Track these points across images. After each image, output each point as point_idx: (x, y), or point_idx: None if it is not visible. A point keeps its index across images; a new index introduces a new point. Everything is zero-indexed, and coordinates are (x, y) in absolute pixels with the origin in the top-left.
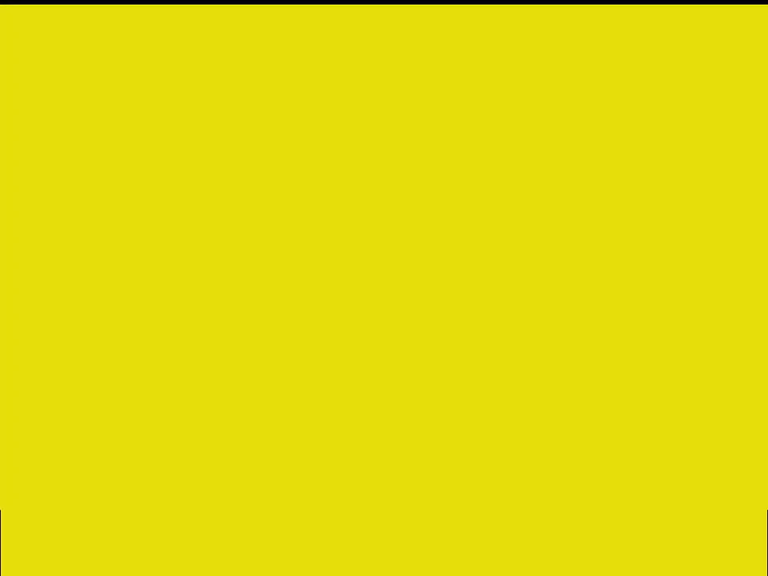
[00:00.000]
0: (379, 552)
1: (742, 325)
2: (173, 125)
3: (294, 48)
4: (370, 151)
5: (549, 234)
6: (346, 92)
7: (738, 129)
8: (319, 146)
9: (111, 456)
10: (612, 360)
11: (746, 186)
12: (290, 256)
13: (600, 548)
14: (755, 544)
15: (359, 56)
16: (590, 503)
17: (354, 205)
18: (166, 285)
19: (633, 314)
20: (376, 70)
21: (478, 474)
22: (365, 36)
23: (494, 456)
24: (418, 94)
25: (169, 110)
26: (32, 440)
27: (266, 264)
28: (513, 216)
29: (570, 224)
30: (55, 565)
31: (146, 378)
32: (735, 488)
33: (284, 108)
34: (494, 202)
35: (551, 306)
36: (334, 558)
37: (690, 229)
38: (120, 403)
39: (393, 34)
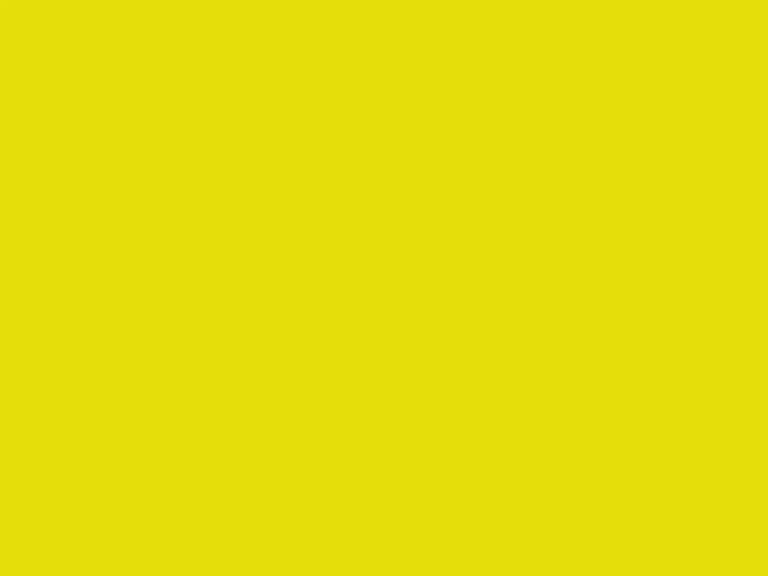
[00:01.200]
0: (379, 550)
1: (742, 324)
2: (168, 120)
3: (290, 44)
4: (369, 147)
5: (548, 233)
6: (345, 87)
7: (737, 126)
8: (316, 143)
9: (110, 457)
10: (612, 359)
11: (745, 183)
12: (286, 254)
13: (601, 547)
14: (757, 542)
15: (358, 52)
16: (591, 502)
17: (353, 204)
18: (163, 284)
19: (632, 314)
20: (376, 67)
21: (478, 473)
22: (365, 32)
23: (494, 455)
24: (417, 89)
25: (164, 105)
26: (30, 441)
27: (263, 262)
28: (512, 215)
29: (570, 223)
30: (53, 564)
31: (144, 378)
32: (736, 488)
33: (278, 105)
34: (494, 201)
35: (551, 307)
36: (334, 557)
37: (689, 228)
38: (117, 404)
39: (394, 30)
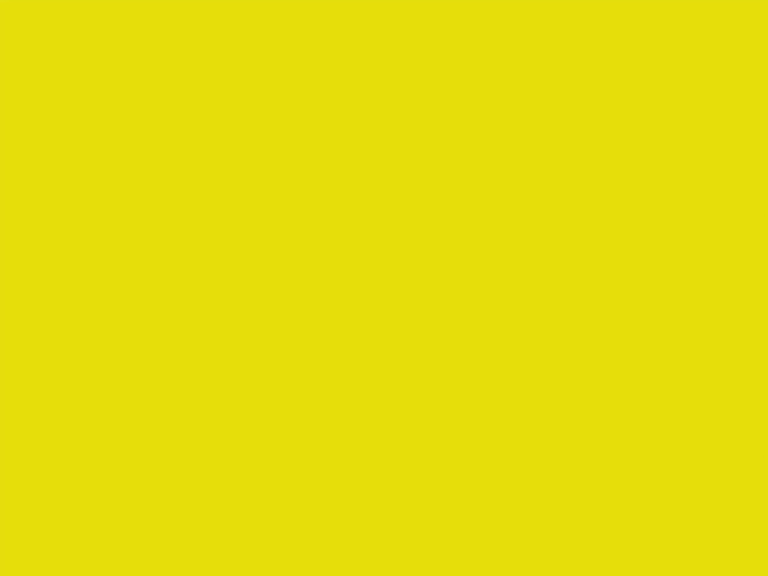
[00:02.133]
0: (378, 551)
1: (742, 325)
2: (168, 120)
3: (290, 44)
4: (369, 147)
5: (548, 234)
6: (345, 87)
7: (738, 126)
8: (316, 143)
9: (109, 456)
10: (612, 360)
11: (746, 184)
12: (286, 254)
13: (601, 547)
14: (757, 541)
15: (359, 52)
16: (591, 502)
17: (353, 204)
18: (163, 283)
19: (632, 314)
20: (376, 67)
21: (478, 473)
22: (365, 32)
23: (494, 456)
24: (417, 89)
25: (164, 105)
26: (30, 441)
27: (263, 262)
28: (512, 215)
29: (570, 223)
30: (53, 564)
31: (143, 378)
32: (736, 488)
33: (278, 104)
34: (494, 201)
35: (550, 307)
36: (333, 557)
37: (689, 229)
38: (117, 404)
39: (394, 28)
